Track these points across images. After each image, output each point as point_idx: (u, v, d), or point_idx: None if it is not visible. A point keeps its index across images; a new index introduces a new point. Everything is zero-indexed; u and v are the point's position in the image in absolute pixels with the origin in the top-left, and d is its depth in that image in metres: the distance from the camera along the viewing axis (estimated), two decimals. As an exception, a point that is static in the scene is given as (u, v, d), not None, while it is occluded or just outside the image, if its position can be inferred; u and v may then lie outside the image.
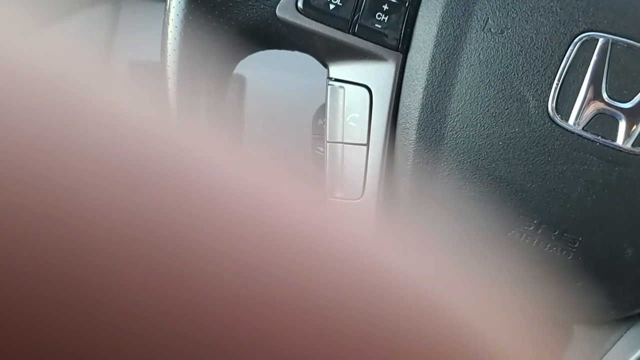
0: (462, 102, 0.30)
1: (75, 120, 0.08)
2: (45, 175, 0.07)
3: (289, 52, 0.33)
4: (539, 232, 0.30)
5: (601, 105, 0.28)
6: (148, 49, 0.46)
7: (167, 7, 0.31)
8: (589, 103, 0.28)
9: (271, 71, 0.39)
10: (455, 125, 0.30)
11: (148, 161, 0.08)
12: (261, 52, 0.33)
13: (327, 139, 0.32)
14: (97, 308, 0.07)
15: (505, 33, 0.29)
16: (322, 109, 0.35)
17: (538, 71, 0.29)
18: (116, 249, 0.08)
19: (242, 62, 0.33)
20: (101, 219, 0.08)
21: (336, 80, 0.32)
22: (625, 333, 0.33)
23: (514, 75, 0.29)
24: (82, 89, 0.09)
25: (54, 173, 0.08)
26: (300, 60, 0.34)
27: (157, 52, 0.43)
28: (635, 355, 0.31)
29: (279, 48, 0.33)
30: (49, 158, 0.08)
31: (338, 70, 0.32)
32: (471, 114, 0.30)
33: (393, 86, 0.31)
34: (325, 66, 0.32)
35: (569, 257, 0.30)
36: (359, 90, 0.31)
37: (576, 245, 0.30)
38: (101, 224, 0.08)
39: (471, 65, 0.29)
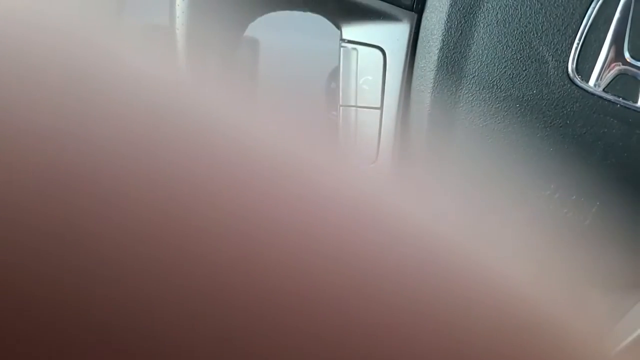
0: (479, 64, 0.29)
1: (85, 80, 0.08)
2: (52, 136, 0.07)
3: (301, 13, 0.32)
4: (556, 196, 0.30)
5: (623, 65, 0.27)
6: (159, 13, 0.45)
7: (176, -33, 0.30)
8: (610, 63, 0.28)
9: (282, 33, 0.38)
10: (472, 87, 0.29)
11: (159, 124, 0.08)
12: (272, 14, 0.32)
13: (340, 103, 0.32)
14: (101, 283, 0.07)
15: (525, -10, 0.28)
16: (335, 71, 0.34)
17: (558, 30, 0.28)
18: (128, 204, 0.07)
19: (253, 25, 0.33)
20: (111, 181, 0.07)
21: (349, 41, 0.31)
22: (641, 298, 0.32)
23: (533, 34, 0.28)
24: (93, 50, 0.08)
25: (60, 135, 0.07)
26: (312, 22, 0.33)
27: (167, 17, 0.42)
28: (651, 320, 0.31)
29: (290, 9, 0.32)
30: (56, 119, 0.07)
31: (351, 31, 0.31)
32: (488, 75, 0.29)
33: (407, 47, 0.30)
34: (338, 27, 0.32)
35: (586, 222, 0.30)
36: (372, 52, 0.31)
37: (593, 210, 0.30)
38: (112, 185, 0.07)
39: (488, 25, 0.28)
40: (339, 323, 0.08)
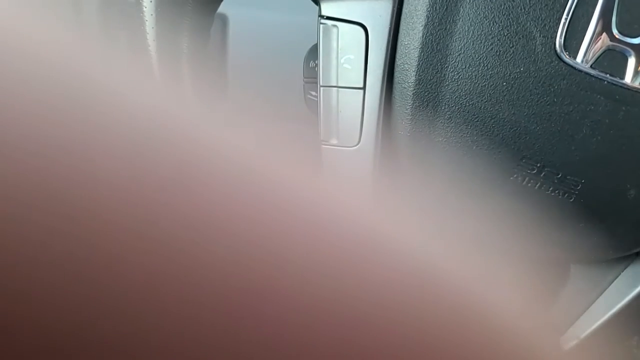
0: (465, 41, 0.28)
1: (48, 71, 0.07)
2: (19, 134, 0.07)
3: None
4: (542, 175, 0.29)
5: (611, 41, 0.27)
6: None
7: (140, -61, 0.28)
8: (598, 38, 0.27)
9: (256, 9, 0.36)
10: (457, 65, 0.28)
11: (130, 113, 0.08)
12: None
13: (321, 83, 0.30)
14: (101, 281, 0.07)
15: (511, -37, 0.27)
16: (314, 50, 0.33)
17: (546, 5, 0.27)
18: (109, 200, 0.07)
19: (226, 1, 0.31)
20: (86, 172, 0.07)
21: (329, 18, 0.30)
22: (622, 271, 0.33)
23: (520, 9, 0.27)
24: (54, 39, 0.08)
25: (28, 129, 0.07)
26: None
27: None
28: (633, 294, 0.32)
29: (266, -16, 0.30)
30: (23, 115, 0.07)
31: (331, 7, 0.30)
32: (474, 52, 0.28)
33: (390, 24, 0.29)
34: (317, 3, 0.30)
35: (571, 200, 0.30)
36: (353, 29, 0.29)
37: (579, 188, 0.30)
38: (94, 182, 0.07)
39: (474, 0, 0.27)
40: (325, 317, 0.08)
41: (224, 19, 0.38)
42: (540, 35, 0.27)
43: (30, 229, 0.06)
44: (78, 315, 0.07)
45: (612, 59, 0.27)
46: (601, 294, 0.33)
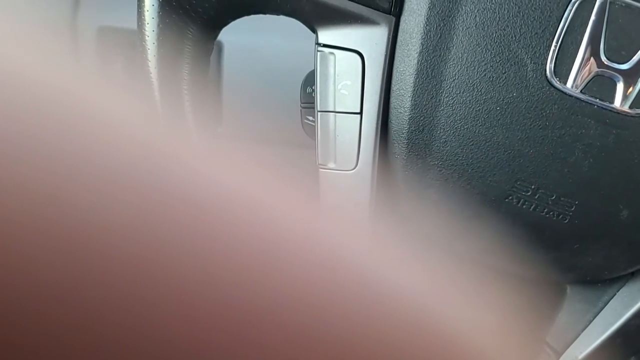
0: (459, 67, 0.29)
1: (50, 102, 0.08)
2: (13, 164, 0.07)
3: (274, 16, 0.31)
4: (536, 197, 0.30)
5: (599, 67, 0.28)
6: (115, 14, 0.43)
7: (142, -30, 0.29)
8: (587, 65, 0.28)
9: (253, 36, 0.37)
10: (452, 90, 0.29)
11: (131, 140, 0.08)
12: (245, 17, 0.31)
13: (318, 108, 0.31)
14: (91, 315, 0.07)
15: (502, -7, 0.28)
16: (311, 75, 0.34)
17: (536, 33, 0.28)
18: (103, 235, 0.07)
19: (225, 28, 0.31)
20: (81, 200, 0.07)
21: (326, 46, 0.31)
22: (617, 292, 0.33)
23: (512, 37, 0.28)
24: (52, 69, 0.08)
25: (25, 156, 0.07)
26: (285, 25, 0.32)
27: (124, 18, 0.40)
28: (629, 313, 0.32)
29: (265, 12, 0.31)
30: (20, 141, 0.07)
31: (328, 35, 0.30)
32: (468, 78, 0.29)
33: (386, 51, 0.30)
34: (314, 31, 0.31)
35: (565, 221, 0.30)
36: (350, 56, 0.30)
37: (573, 209, 0.30)
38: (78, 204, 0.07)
39: (467, 28, 0.28)
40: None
41: (219, 46, 0.39)
42: (531, 62, 0.28)
43: (32, 232, 0.07)
44: (76, 316, 0.07)
45: (601, 84, 0.28)
46: (598, 314, 0.33)
